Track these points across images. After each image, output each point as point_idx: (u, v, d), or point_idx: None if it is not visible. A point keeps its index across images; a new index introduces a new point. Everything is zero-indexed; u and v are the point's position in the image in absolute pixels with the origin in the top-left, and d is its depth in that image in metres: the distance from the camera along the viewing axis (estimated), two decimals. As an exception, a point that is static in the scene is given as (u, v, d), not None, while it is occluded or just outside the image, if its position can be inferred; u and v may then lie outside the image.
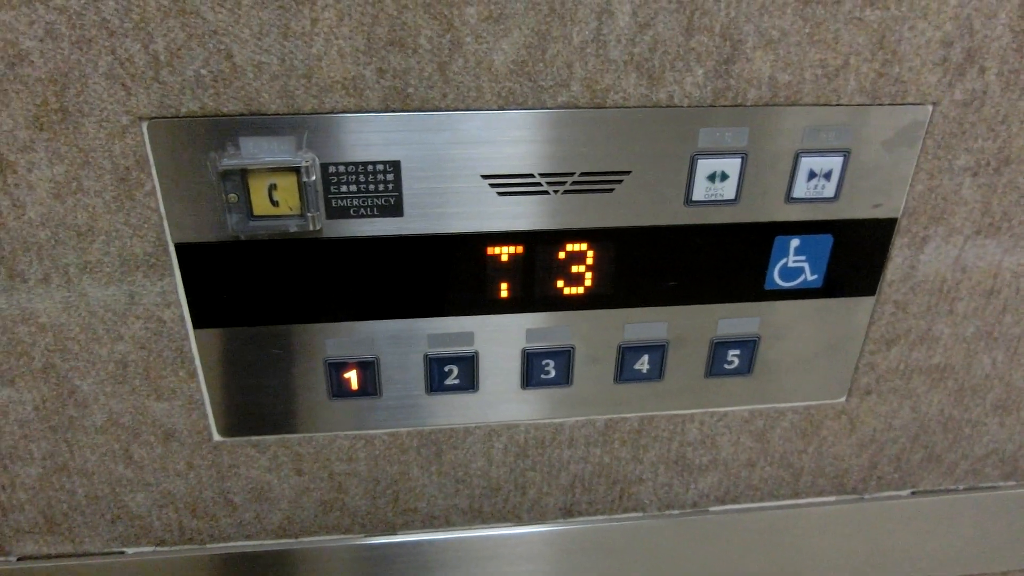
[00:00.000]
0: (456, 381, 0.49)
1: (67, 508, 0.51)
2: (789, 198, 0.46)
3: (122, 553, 0.53)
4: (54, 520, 0.51)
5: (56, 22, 0.36)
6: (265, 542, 0.54)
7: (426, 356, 0.48)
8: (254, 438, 0.50)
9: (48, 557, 0.53)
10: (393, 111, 0.41)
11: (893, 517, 0.61)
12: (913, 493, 0.60)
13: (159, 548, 0.54)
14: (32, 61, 0.37)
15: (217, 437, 0.49)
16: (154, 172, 0.40)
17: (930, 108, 0.44)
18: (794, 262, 0.48)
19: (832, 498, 0.59)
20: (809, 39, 0.41)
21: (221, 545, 0.54)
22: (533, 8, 0.39)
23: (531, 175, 0.43)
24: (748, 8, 0.40)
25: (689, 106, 0.42)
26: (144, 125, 0.39)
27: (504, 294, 0.47)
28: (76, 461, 0.49)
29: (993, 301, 0.52)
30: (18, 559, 0.53)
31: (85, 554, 0.53)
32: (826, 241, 0.48)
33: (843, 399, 0.54)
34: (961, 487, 0.61)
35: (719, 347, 0.50)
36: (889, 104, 0.44)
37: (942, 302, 0.51)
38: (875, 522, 0.61)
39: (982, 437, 0.58)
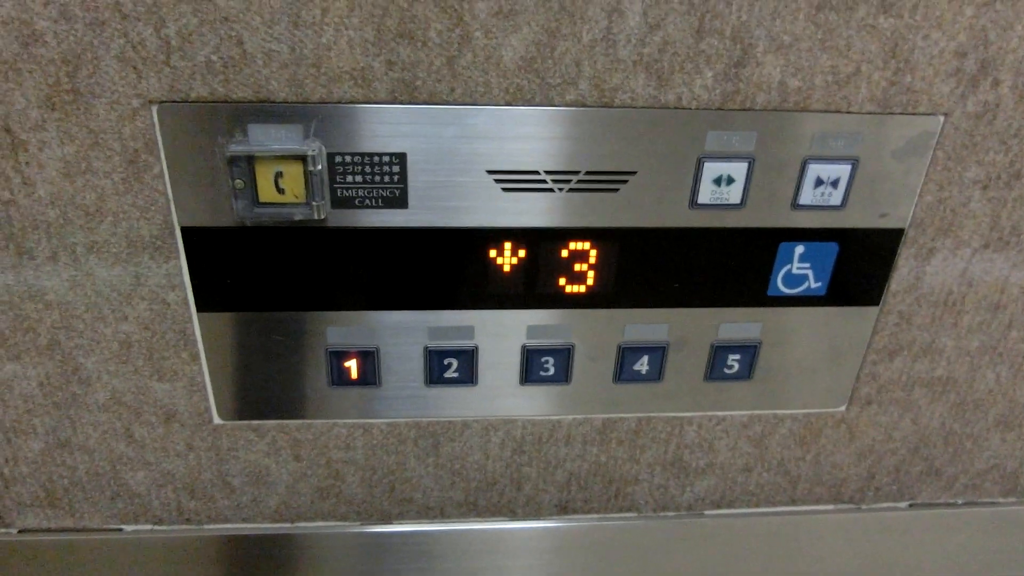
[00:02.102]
0: (455, 374, 0.50)
1: (68, 483, 0.52)
2: (795, 204, 0.46)
3: (120, 530, 0.54)
4: (55, 495, 0.52)
5: (70, 3, 0.37)
6: (261, 525, 0.55)
7: (426, 348, 0.48)
8: (254, 422, 0.50)
9: (48, 531, 0.54)
10: (401, 103, 0.41)
11: (890, 529, 0.60)
12: (911, 505, 0.60)
13: (156, 527, 0.54)
14: (46, 41, 0.37)
15: (217, 420, 0.50)
16: (163, 155, 0.41)
17: (942, 119, 0.44)
18: (798, 269, 0.48)
19: (829, 507, 0.59)
20: (821, 45, 0.41)
21: (218, 527, 0.55)
22: (543, 5, 0.39)
23: (537, 172, 0.43)
24: (760, 12, 0.40)
25: (697, 108, 0.42)
26: (154, 109, 0.40)
27: (506, 290, 0.47)
28: (78, 437, 0.50)
29: (999, 316, 0.51)
30: (19, 531, 0.54)
31: (84, 529, 0.54)
32: (831, 249, 0.47)
33: (843, 408, 0.54)
34: (960, 501, 0.61)
35: (719, 351, 0.50)
36: (900, 113, 0.43)
37: (947, 315, 0.51)
38: (872, 533, 0.60)
39: (983, 452, 0.58)
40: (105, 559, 0.54)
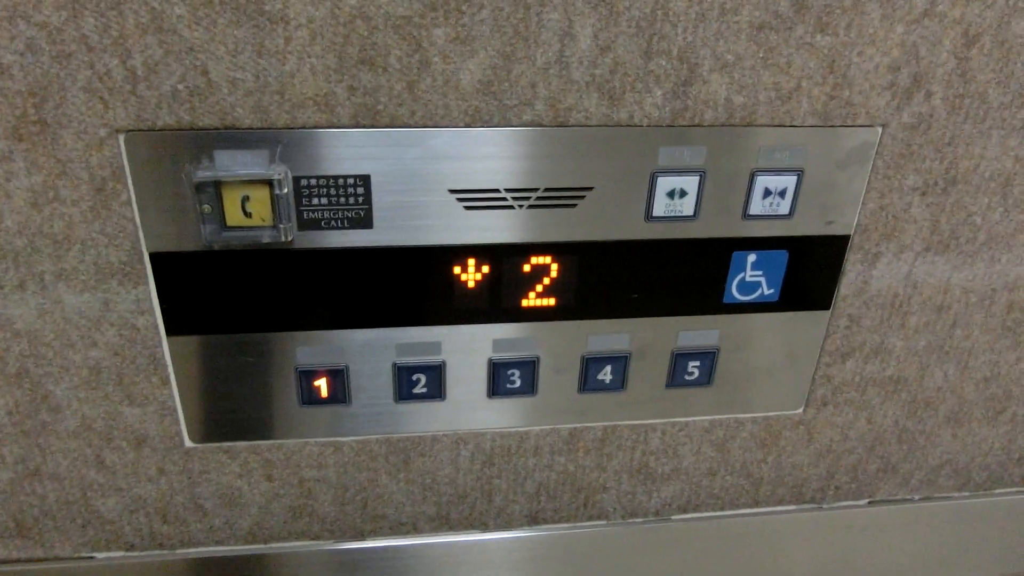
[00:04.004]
0: (424, 390, 0.51)
1: (38, 513, 0.52)
2: (746, 215, 0.48)
3: (92, 558, 0.54)
4: (24, 524, 0.52)
5: (36, 37, 0.37)
6: (235, 548, 0.55)
7: (395, 365, 0.49)
8: (225, 444, 0.51)
9: (18, 561, 0.53)
10: (363, 127, 0.42)
11: (851, 526, 0.62)
12: (870, 503, 0.62)
13: (129, 553, 0.54)
14: (12, 74, 0.38)
15: (188, 443, 0.50)
16: (130, 183, 0.42)
17: (879, 130, 0.46)
18: (751, 276, 0.50)
19: (791, 507, 0.61)
20: (763, 63, 0.43)
21: (191, 550, 0.55)
22: (498, 30, 0.40)
23: (497, 190, 0.45)
24: (704, 33, 0.42)
25: (649, 125, 0.44)
26: (121, 137, 0.41)
27: (471, 305, 0.48)
28: (48, 466, 0.50)
29: (943, 316, 0.54)
30: (-12, 564, 0.53)
31: (56, 559, 0.53)
32: (782, 256, 0.49)
33: (801, 410, 0.56)
34: (916, 497, 0.63)
35: (680, 358, 0.52)
36: (840, 126, 0.46)
37: (894, 316, 0.53)
38: (834, 531, 0.62)
39: (935, 448, 0.60)
40: (77, 588, 0.54)
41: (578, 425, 0.54)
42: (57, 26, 0.37)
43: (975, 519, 0.64)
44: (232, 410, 0.50)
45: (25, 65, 0.38)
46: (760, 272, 0.50)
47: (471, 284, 0.47)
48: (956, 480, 0.62)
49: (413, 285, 0.47)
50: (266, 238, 0.43)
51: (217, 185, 0.42)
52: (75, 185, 0.41)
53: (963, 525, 0.65)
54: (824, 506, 0.61)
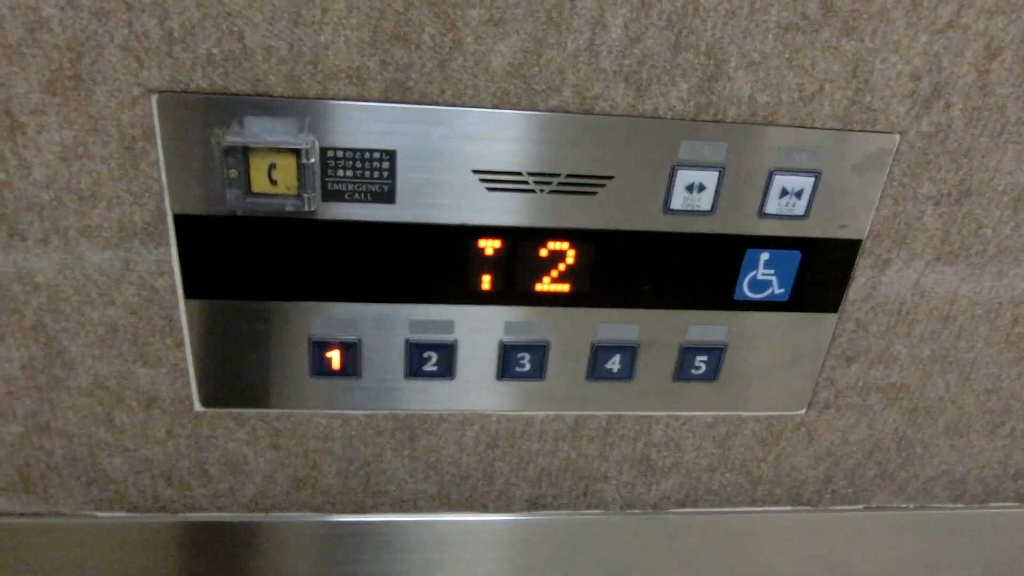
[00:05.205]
0: (434, 368, 0.51)
1: (44, 468, 0.52)
2: (761, 213, 0.48)
3: (94, 517, 0.54)
4: (30, 479, 0.52)
5: None
6: (237, 515, 0.56)
7: (407, 341, 0.50)
8: (234, 410, 0.51)
9: (21, 515, 0.54)
10: (393, 102, 0.43)
11: (846, 530, 0.63)
12: (865, 508, 0.63)
13: (131, 514, 0.55)
14: (51, 27, 0.39)
15: (198, 407, 0.51)
16: (159, 143, 0.42)
17: (897, 137, 0.47)
18: (763, 275, 0.50)
19: (788, 508, 0.62)
20: (788, 64, 0.44)
21: (193, 515, 0.55)
22: (532, 15, 0.41)
23: (520, 173, 0.45)
24: (732, 31, 0.42)
25: (672, 118, 0.45)
26: (154, 98, 0.41)
27: (486, 286, 0.49)
28: (58, 422, 0.50)
29: (949, 326, 0.54)
30: (-9, 516, 0.54)
31: (58, 514, 0.54)
32: (794, 257, 0.50)
33: (803, 411, 0.57)
34: (911, 506, 0.63)
35: (687, 352, 0.53)
36: (859, 131, 0.46)
37: (901, 323, 0.54)
38: (828, 534, 0.63)
39: (933, 458, 0.61)
40: (78, 545, 0.54)
41: (583, 413, 0.54)
42: (100, -17, 0.38)
43: (969, 531, 0.65)
44: (243, 377, 0.50)
45: (64, 19, 0.39)
46: (772, 271, 0.50)
47: (487, 265, 0.48)
48: (952, 491, 0.63)
49: (430, 262, 0.47)
50: (290, 206, 0.44)
51: (245, 151, 0.42)
52: (105, 142, 0.42)
53: (957, 536, 0.65)
54: (820, 509, 0.62)
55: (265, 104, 0.42)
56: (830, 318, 0.53)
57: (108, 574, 0.56)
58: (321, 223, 0.45)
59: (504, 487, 0.57)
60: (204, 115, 0.42)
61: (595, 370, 0.52)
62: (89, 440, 0.51)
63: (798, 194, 0.48)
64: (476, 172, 0.45)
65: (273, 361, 0.50)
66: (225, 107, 0.42)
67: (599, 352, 0.52)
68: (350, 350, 0.50)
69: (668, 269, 0.49)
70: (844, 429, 0.58)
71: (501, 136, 0.44)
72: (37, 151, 0.42)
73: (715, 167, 0.46)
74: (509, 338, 0.51)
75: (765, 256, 0.50)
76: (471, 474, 0.56)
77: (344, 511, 0.57)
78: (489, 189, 0.46)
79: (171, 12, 0.39)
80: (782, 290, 0.51)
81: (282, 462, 0.54)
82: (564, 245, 0.48)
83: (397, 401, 0.52)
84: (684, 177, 0.46)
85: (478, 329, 0.50)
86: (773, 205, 0.48)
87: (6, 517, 0.54)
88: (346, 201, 0.45)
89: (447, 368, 0.51)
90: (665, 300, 0.51)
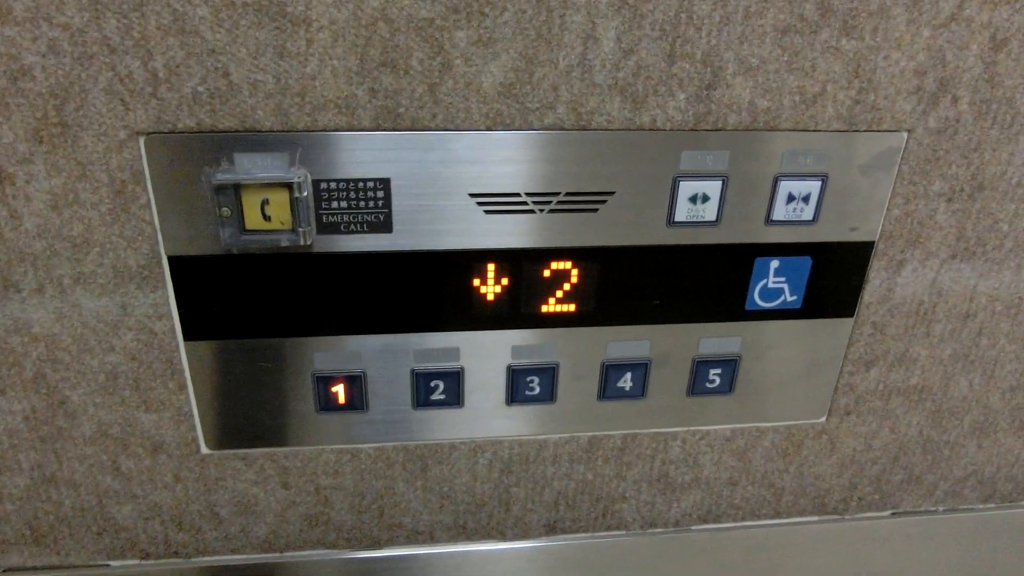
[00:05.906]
0: (442, 396, 0.50)
1: (54, 520, 0.51)
2: (769, 220, 0.47)
3: (107, 566, 0.53)
4: (40, 532, 0.52)
5: (59, 38, 0.37)
6: (250, 556, 0.55)
7: (412, 371, 0.49)
8: (241, 451, 0.50)
9: (33, 569, 0.53)
10: (384, 130, 0.42)
11: (874, 538, 0.61)
12: (893, 514, 0.61)
13: (144, 561, 0.54)
14: (34, 75, 0.38)
15: (205, 450, 0.50)
16: (149, 186, 0.41)
17: (905, 135, 0.46)
18: (774, 283, 0.49)
19: (813, 518, 0.60)
20: (787, 67, 0.43)
21: (206, 559, 0.54)
22: (521, 32, 0.40)
23: (518, 194, 0.44)
24: (728, 36, 0.41)
25: (671, 130, 0.44)
26: (141, 140, 0.40)
27: (490, 311, 0.47)
28: (64, 472, 0.49)
29: (969, 324, 0.53)
30: (3, 571, 0.53)
31: (71, 566, 0.53)
32: (805, 263, 0.49)
33: (823, 419, 0.55)
34: (941, 509, 0.62)
35: (701, 366, 0.51)
36: (865, 131, 0.45)
37: (919, 324, 0.52)
38: (856, 543, 0.61)
39: (960, 459, 0.59)
40: (91, 595, 0.54)
41: (597, 433, 0.53)
42: (79, 27, 0.37)
43: (1001, 531, 0.63)
44: (249, 416, 0.49)
45: (47, 67, 0.38)
46: (783, 279, 0.49)
47: (490, 289, 0.47)
48: (981, 491, 0.61)
49: (432, 290, 0.46)
50: (285, 241, 0.43)
51: (236, 188, 0.42)
52: (94, 188, 0.41)
53: (988, 537, 0.63)
54: (847, 517, 0.60)
55: (254, 139, 0.41)
56: (846, 323, 0.51)
57: (124, 622, 0.55)
58: (318, 256, 0.44)
59: (521, 513, 0.56)
60: (193, 154, 0.41)
61: (607, 389, 0.51)
62: (97, 489, 0.50)
63: (805, 199, 0.47)
64: (473, 195, 0.44)
65: (278, 399, 0.49)
66: (214, 145, 0.41)
67: (610, 371, 0.51)
68: (355, 383, 0.49)
69: (676, 283, 0.48)
70: (867, 435, 0.56)
71: (496, 158, 0.43)
72: (27, 201, 0.41)
73: (718, 176, 0.45)
74: (517, 362, 0.50)
75: (775, 264, 0.49)
76: (486, 502, 0.55)
77: (359, 547, 0.55)
78: (487, 212, 0.45)
79: (154, 52, 0.38)
80: (794, 297, 0.50)
81: (293, 500, 0.53)
82: (567, 264, 0.47)
83: (406, 432, 0.51)
84: (687, 188, 0.45)
85: (485, 355, 0.49)
86: (780, 211, 0.47)
87: (19, 572, 0.53)
88: (342, 233, 0.44)
89: (455, 396, 0.50)
90: (675, 314, 0.49)
